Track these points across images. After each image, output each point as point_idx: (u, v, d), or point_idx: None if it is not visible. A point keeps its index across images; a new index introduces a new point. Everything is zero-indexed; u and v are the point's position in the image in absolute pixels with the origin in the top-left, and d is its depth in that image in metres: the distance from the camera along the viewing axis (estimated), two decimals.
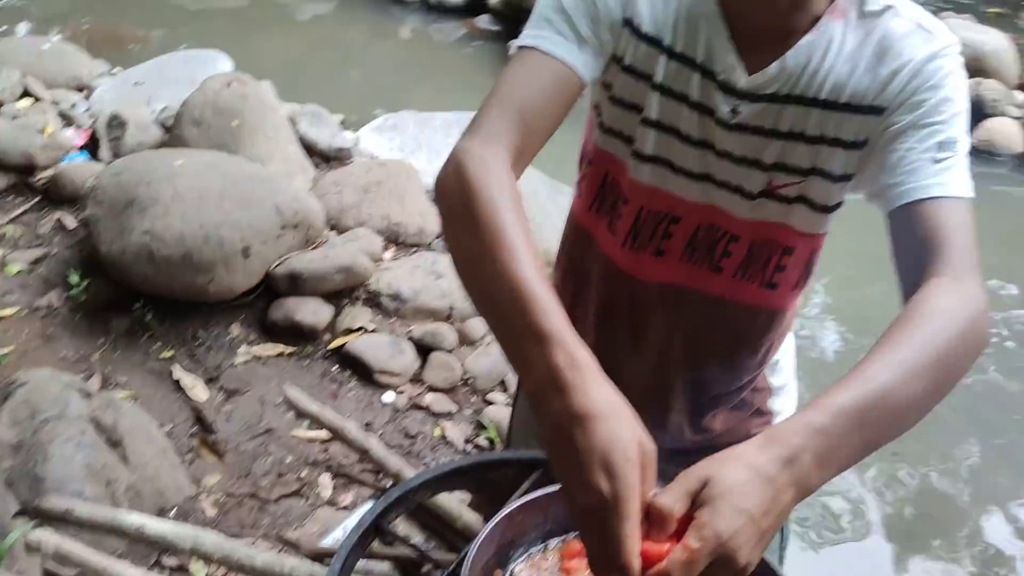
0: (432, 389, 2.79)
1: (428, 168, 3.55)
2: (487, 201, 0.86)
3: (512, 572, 0.90)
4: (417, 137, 3.86)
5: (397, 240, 3.20)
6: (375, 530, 1.01)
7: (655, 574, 0.69)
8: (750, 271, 1.16)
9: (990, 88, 6.04)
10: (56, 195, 3.27)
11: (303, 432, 2.57)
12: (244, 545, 1.71)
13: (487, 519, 0.89)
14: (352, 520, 2.22)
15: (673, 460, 1.32)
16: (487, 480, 0.99)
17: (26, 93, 3.91)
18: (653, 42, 1.05)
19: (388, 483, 2.11)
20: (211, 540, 1.63)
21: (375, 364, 2.77)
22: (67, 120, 3.77)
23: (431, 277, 2.99)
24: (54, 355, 2.71)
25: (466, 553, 0.86)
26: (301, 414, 2.25)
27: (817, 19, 1.00)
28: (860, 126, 1.01)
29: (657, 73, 1.06)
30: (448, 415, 2.71)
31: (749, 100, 1.04)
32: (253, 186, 2.90)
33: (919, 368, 0.78)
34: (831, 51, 1.00)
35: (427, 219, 3.25)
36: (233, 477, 2.43)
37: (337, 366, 2.81)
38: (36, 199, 3.29)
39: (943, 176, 0.93)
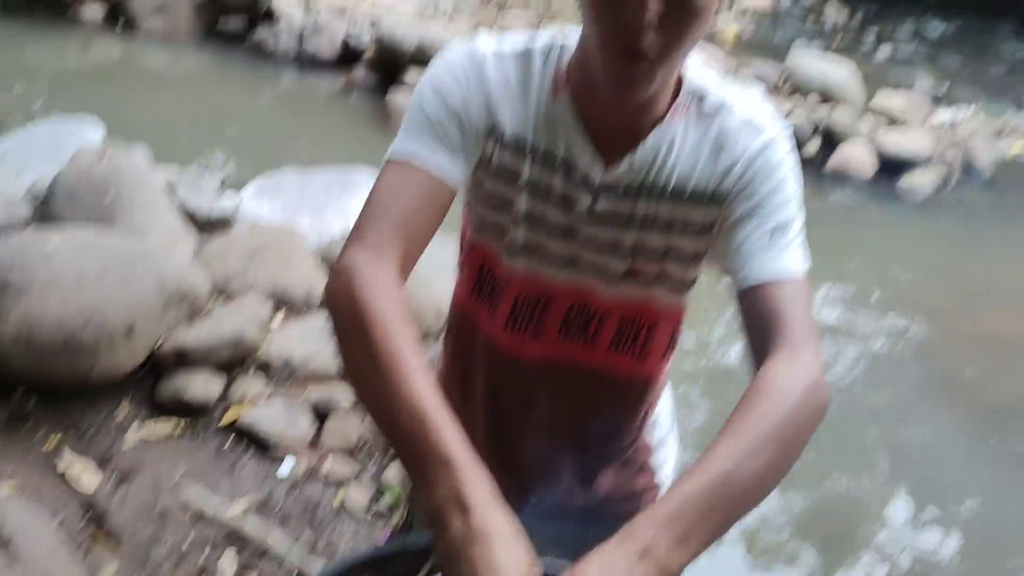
0: (332, 451, 2.79)
1: (312, 230, 3.57)
2: (379, 324, 0.92)
3: None
4: (299, 199, 3.87)
5: (286, 304, 3.20)
6: None
7: None
8: (622, 344, 1.25)
9: (841, 115, 6.46)
10: None
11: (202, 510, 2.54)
12: None
13: None
14: None
15: (566, 520, 1.40)
16: (387, 571, 1.03)
17: None
18: (517, 146, 1.13)
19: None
20: None
21: (271, 436, 2.75)
22: None
23: (322, 341, 3.00)
24: None
25: None
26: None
27: (662, 119, 1.10)
28: (705, 214, 1.11)
29: (523, 173, 1.13)
30: (349, 480, 2.72)
31: (606, 193, 1.12)
32: (133, 262, 2.85)
33: (759, 446, 0.87)
34: (674, 148, 1.10)
35: (314, 282, 3.25)
36: (131, 566, 2.37)
37: (232, 439, 2.79)
38: None
39: (780, 258, 1.03)
